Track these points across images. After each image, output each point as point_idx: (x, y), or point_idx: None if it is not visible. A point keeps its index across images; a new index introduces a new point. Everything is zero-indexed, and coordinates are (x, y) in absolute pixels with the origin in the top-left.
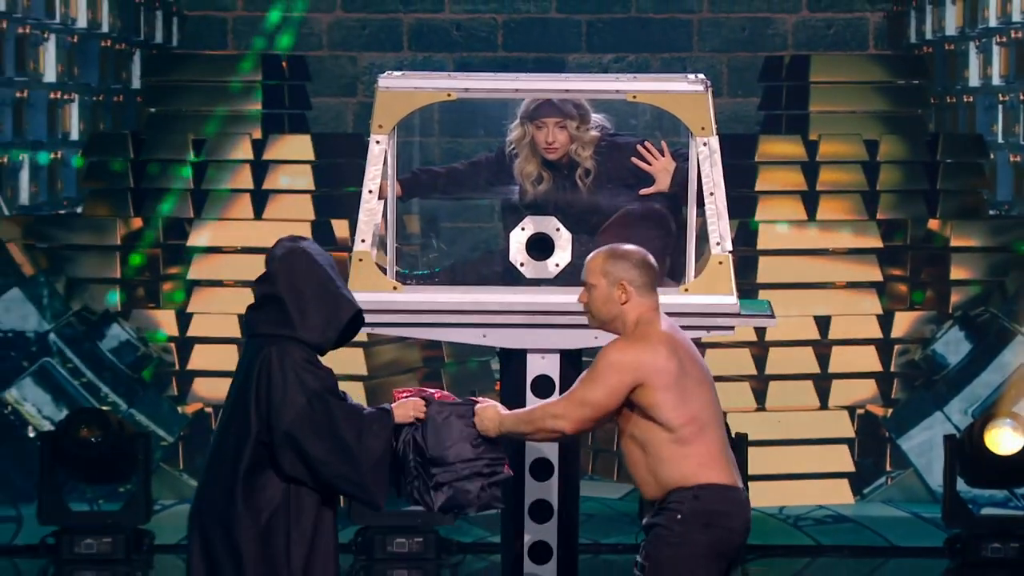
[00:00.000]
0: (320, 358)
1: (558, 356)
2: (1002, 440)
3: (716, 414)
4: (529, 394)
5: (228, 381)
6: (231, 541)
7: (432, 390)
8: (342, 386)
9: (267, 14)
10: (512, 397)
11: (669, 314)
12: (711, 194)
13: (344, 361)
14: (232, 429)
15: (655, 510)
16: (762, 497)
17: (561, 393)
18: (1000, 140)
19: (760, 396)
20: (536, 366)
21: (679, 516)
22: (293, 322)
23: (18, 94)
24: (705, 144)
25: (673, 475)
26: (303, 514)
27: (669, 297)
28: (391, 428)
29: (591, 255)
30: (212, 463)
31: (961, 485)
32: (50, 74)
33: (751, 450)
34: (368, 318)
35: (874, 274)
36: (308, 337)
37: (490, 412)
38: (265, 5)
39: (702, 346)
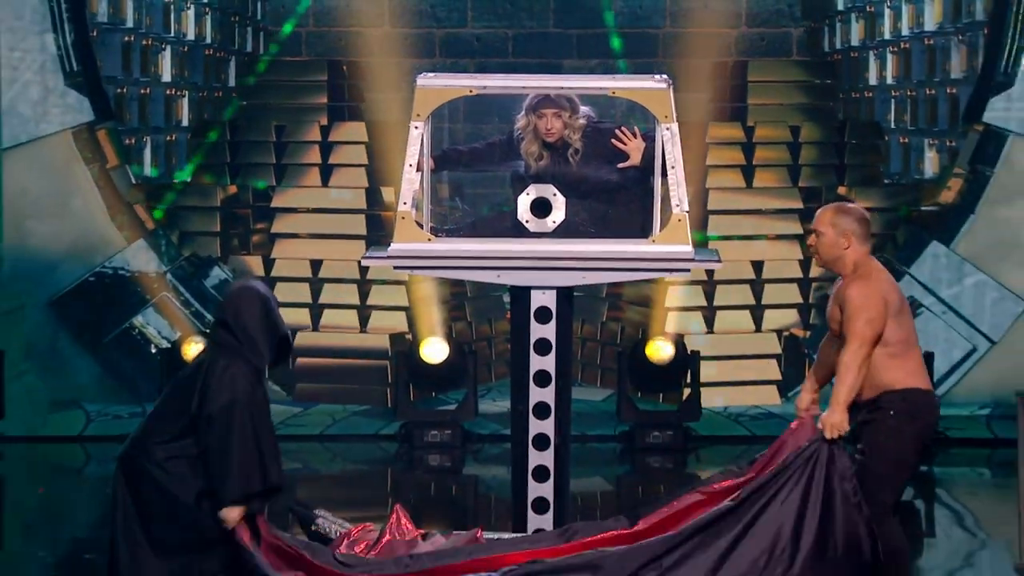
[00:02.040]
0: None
1: (555, 292)
2: None
3: (915, 335)
4: (533, 322)
5: (304, 311)
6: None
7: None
8: (391, 317)
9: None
10: (519, 323)
11: (641, 260)
12: (672, 167)
13: (390, 295)
14: (172, 405)
15: (868, 409)
16: (710, 399)
17: (557, 321)
18: (892, 126)
19: (709, 322)
20: (537, 299)
21: (892, 412)
22: (241, 344)
23: (142, 91)
24: (668, 129)
25: (885, 380)
26: None
27: (640, 246)
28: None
29: (822, 209)
30: (152, 420)
31: None
32: (166, 75)
33: (703, 363)
34: (407, 263)
35: (796, 228)
36: (251, 358)
37: (824, 417)
38: (330, 22)
39: (666, 284)
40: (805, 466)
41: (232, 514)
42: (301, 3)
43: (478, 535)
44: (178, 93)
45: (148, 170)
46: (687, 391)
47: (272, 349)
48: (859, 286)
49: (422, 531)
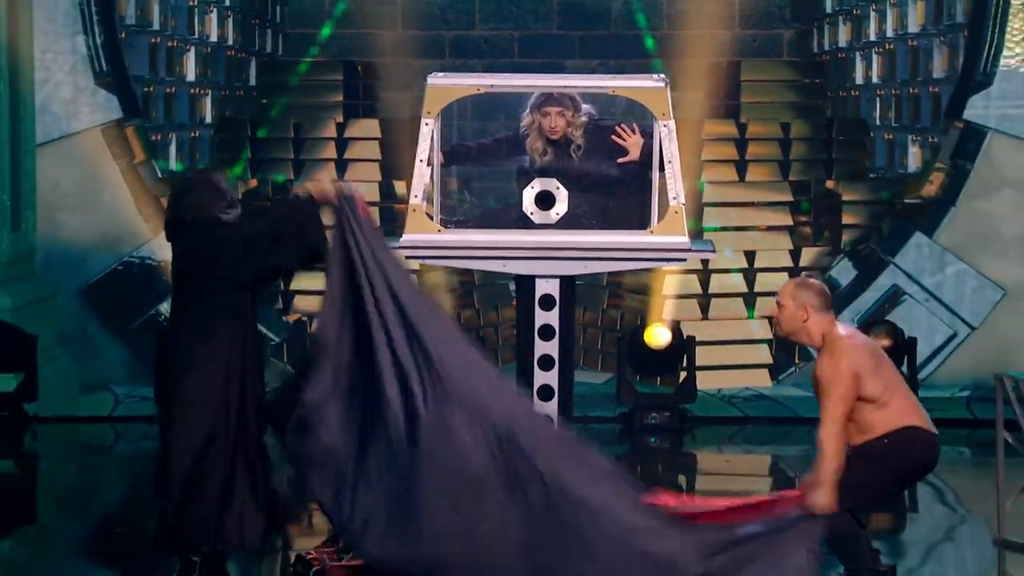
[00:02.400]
0: None
1: (558, 280)
2: (879, 340)
3: (897, 379)
4: (537, 308)
5: (318, 299)
6: None
7: None
8: None
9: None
10: (524, 310)
11: (639, 250)
12: (669, 162)
13: None
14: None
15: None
16: (705, 382)
17: (560, 308)
18: (878, 123)
19: (704, 309)
20: (542, 287)
21: (876, 449)
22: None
23: (168, 90)
24: (665, 126)
25: (877, 431)
26: None
27: (639, 237)
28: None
29: (785, 283)
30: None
31: None
32: (191, 75)
33: (698, 348)
34: (418, 253)
35: (787, 220)
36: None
37: (814, 501)
38: (347, 24)
39: (663, 273)
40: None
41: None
42: (337, 7)
43: None
44: (202, 92)
45: (173, 165)
46: (683, 374)
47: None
48: (828, 361)
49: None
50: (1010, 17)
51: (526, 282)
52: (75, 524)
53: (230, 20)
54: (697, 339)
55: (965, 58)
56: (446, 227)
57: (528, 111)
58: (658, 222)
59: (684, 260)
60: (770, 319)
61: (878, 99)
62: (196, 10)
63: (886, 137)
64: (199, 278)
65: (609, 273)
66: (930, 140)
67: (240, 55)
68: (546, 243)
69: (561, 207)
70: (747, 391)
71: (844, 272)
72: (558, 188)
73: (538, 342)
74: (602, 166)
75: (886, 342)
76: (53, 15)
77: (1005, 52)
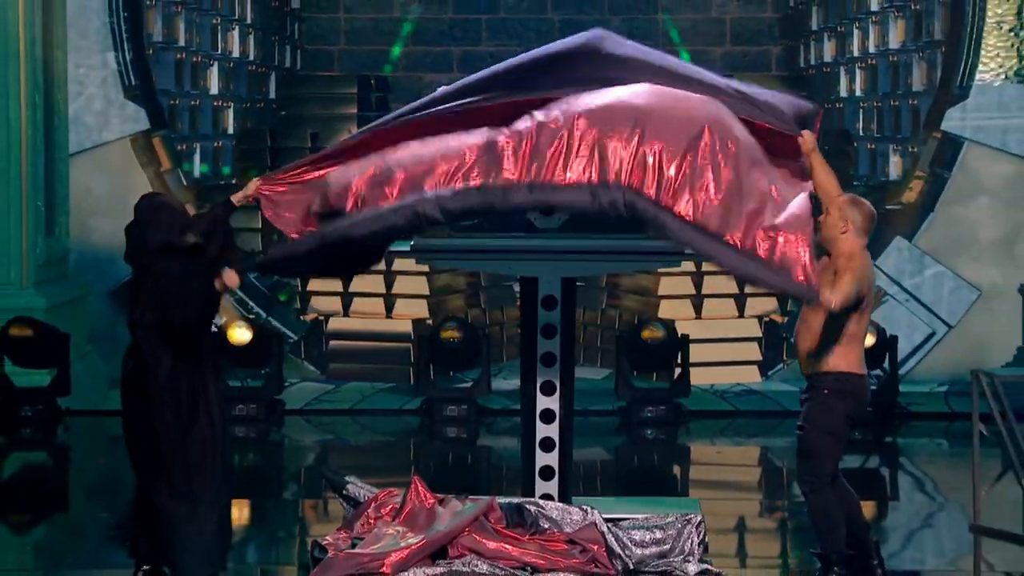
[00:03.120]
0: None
1: (560, 281)
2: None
3: (864, 332)
4: (540, 309)
5: (335, 299)
6: None
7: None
8: (414, 304)
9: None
10: (528, 309)
11: (637, 253)
12: None
13: (410, 284)
14: None
15: (808, 387)
16: (699, 378)
17: (562, 308)
18: (861, 133)
19: (698, 308)
20: (544, 288)
21: (825, 391)
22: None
23: (193, 103)
24: None
25: (829, 362)
26: None
27: (636, 241)
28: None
29: (843, 195)
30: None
31: None
32: (214, 88)
33: (692, 346)
34: (428, 256)
35: None
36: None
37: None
38: (361, 41)
39: (659, 275)
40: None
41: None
42: (404, 27)
43: (492, 503)
44: (224, 104)
45: (197, 173)
46: (678, 370)
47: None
48: (854, 271)
49: (439, 496)
50: (985, 34)
51: (529, 283)
52: (104, 512)
53: (251, 37)
54: (691, 337)
55: (943, 72)
56: (455, 232)
57: None
58: None
59: (679, 263)
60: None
61: (861, 111)
62: (219, 28)
63: (869, 147)
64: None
65: (608, 274)
66: (910, 150)
67: (260, 70)
68: (548, 247)
69: (562, 213)
70: (738, 386)
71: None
72: None
73: (541, 340)
74: None
75: (869, 340)
76: (86, 32)
77: (980, 67)
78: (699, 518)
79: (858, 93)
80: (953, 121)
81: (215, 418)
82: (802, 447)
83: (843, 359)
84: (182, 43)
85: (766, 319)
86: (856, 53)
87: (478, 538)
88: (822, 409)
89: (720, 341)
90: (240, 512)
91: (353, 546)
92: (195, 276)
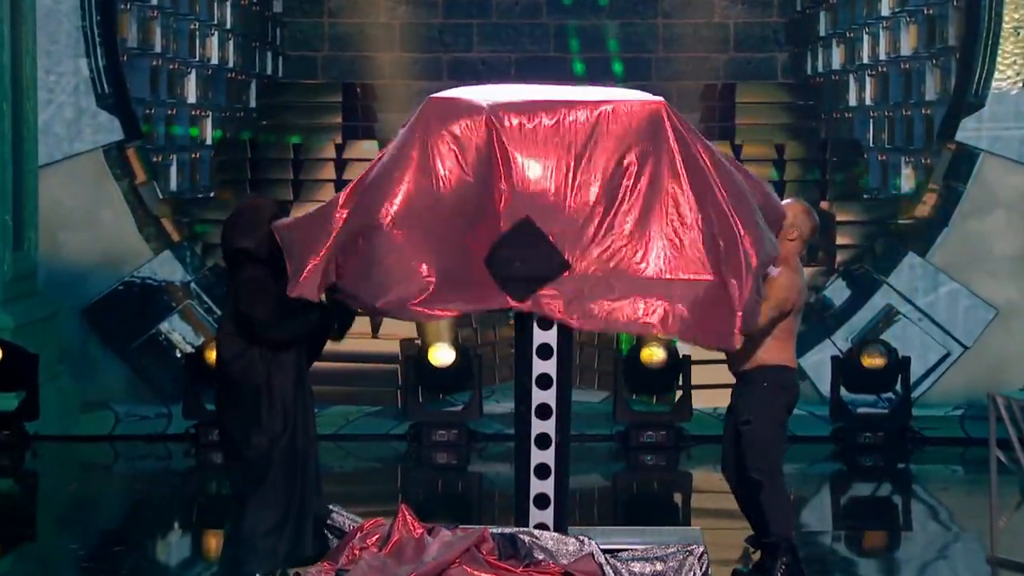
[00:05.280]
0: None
1: None
2: (873, 359)
3: (796, 328)
4: (535, 328)
5: None
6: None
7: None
8: (401, 324)
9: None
10: (523, 328)
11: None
12: None
13: None
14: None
15: (744, 381)
16: (701, 401)
17: (559, 327)
18: (871, 144)
19: None
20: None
21: (764, 384)
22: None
23: (169, 111)
24: None
25: (763, 357)
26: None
27: None
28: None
29: (796, 200)
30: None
31: (843, 392)
32: (191, 97)
33: (693, 367)
34: None
35: None
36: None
37: None
38: (345, 47)
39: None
40: None
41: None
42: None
43: (484, 533)
44: (202, 113)
45: (174, 185)
46: (679, 393)
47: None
48: (786, 275)
49: (428, 526)
50: (1002, 40)
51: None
52: (75, 543)
53: (231, 43)
54: (692, 358)
55: (957, 80)
56: None
57: None
58: None
59: None
60: None
61: (872, 121)
62: (197, 33)
63: (879, 158)
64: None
65: None
66: (923, 161)
67: (240, 77)
68: None
69: None
70: None
71: (838, 292)
72: None
73: (536, 361)
74: None
75: (880, 361)
76: (56, 37)
77: (997, 75)
78: (701, 549)
79: (868, 102)
80: (968, 131)
81: (297, 430)
82: (752, 439)
83: (779, 353)
84: (158, 49)
85: None
86: (866, 60)
87: (469, 570)
88: (765, 401)
89: (723, 362)
90: (216, 543)
91: None
92: (265, 282)
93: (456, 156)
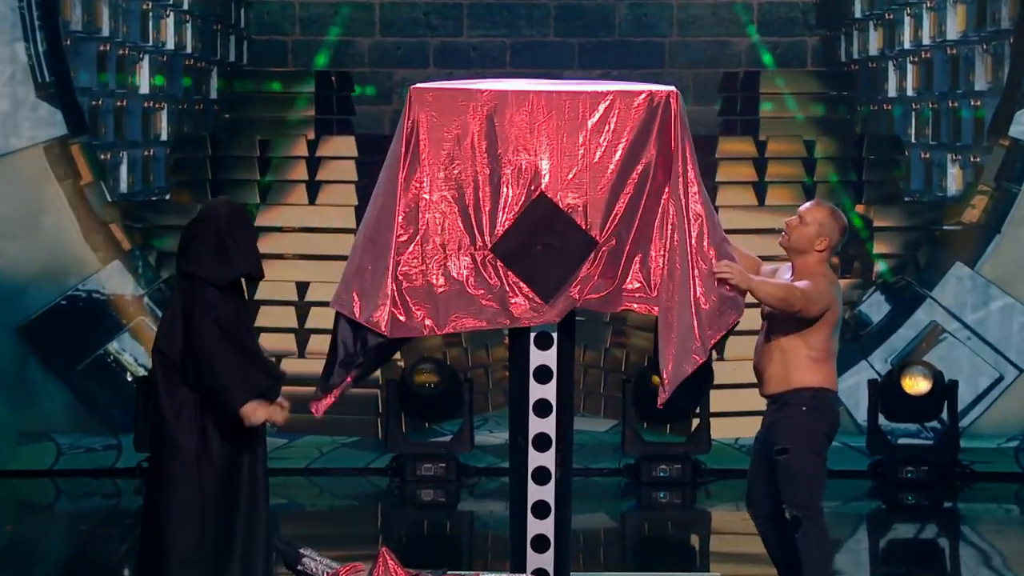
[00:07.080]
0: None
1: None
2: (916, 383)
3: (836, 349)
4: (532, 347)
5: (289, 337)
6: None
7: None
8: None
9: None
10: (518, 349)
11: None
12: None
13: None
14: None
15: (778, 405)
16: (722, 430)
17: (558, 347)
18: (913, 140)
19: (721, 348)
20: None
21: (804, 408)
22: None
23: (119, 103)
24: None
25: (801, 379)
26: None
27: None
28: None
29: (818, 203)
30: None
31: (882, 420)
32: (144, 86)
33: (713, 392)
34: None
35: None
36: (212, 279)
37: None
38: (317, 30)
39: None
40: None
41: (254, 412)
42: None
43: None
44: (156, 106)
45: (124, 187)
46: (696, 421)
47: (231, 262)
48: (819, 282)
49: (413, 572)
50: None
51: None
52: None
53: (188, 25)
54: (714, 382)
55: (1011, 68)
56: None
57: None
58: None
59: None
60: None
61: (914, 114)
62: (151, 14)
63: (923, 156)
64: None
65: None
66: (972, 160)
67: (200, 64)
68: None
69: None
70: None
71: (876, 307)
72: None
73: (534, 385)
74: None
75: (924, 386)
76: None
77: None
78: None
79: (910, 92)
80: (1023, 126)
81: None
82: (790, 471)
83: (817, 375)
84: (106, 32)
85: None
86: (908, 45)
87: None
88: (803, 428)
89: (745, 387)
90: None
91: None
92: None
93: (453, 153)
